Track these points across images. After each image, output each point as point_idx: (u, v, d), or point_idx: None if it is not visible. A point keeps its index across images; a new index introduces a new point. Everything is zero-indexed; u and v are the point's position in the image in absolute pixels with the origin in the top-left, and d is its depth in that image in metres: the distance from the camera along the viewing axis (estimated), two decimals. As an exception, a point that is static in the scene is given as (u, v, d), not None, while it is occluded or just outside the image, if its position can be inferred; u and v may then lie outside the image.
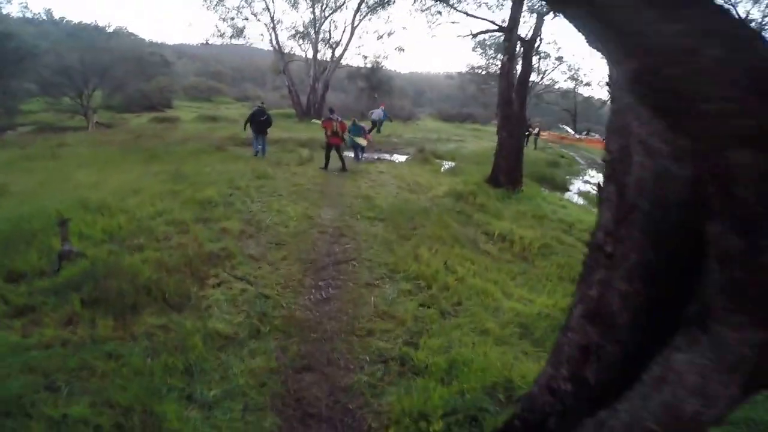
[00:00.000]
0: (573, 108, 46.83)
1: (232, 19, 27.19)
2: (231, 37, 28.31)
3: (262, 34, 28.38)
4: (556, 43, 44.28)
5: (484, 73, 43.17)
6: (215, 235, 6.44)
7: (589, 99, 49.39)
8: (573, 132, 40.66)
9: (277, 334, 4.18)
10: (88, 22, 69.05)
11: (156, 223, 6.74)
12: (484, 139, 28.03)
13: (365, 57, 32.08)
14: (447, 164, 16.46)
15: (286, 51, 30.12)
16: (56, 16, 70.28)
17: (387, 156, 17.07)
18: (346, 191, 10.09)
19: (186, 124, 23.62)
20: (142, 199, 7.82)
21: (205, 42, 28.20)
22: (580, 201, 14.98)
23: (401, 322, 4.55)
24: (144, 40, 75.31)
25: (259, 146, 13.61)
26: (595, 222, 2.11)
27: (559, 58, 41.03)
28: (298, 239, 6.70)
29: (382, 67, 33.98)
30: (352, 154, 14.88)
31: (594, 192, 15.51)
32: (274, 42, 27.99)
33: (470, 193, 10.82)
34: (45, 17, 68.95)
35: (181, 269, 5.17)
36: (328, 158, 12.21)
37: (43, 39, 41.70)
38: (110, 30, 66.03)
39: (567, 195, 15.68)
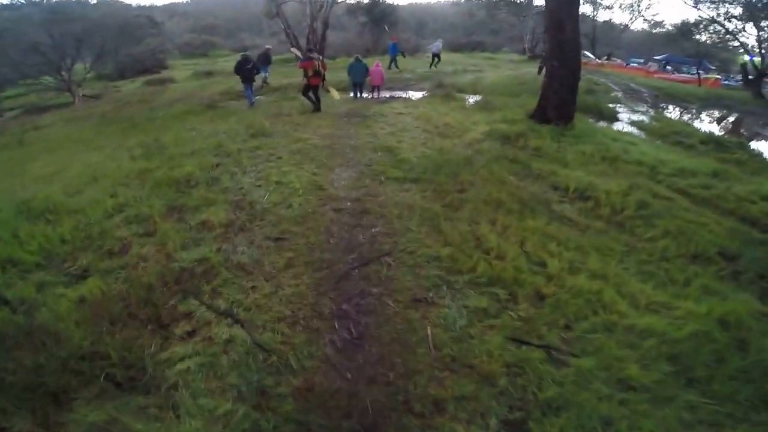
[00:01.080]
0: (592, 32, 42.32)
1: None
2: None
3: None
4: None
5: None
6: (191, 236, 4.48)
7: (609, 22, 44.60)
8: (594, 57, 36.93)
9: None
10: (69, -2, 64.56)
11: (112, 224, 4.80)
12: (501, 68, 25.02)
13: None
14: (472, 98, 13.96)
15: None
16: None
17: (401, 94, 14.61)
18: (361, 143, 7.92)
19: (180, 83, 21.19)
20: (101, 190, 5.85)
21: None
22: (636, 132, 12.55)
23: (487, 380, 2.63)
24: (130, 5, 70.69)
25: (253, 96, 12.37)
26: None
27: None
28: (306, 227, 4.70)
29: None
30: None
31: (649, 121, 12.96)
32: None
33: (518, 134, 8.57)
34: (23, 0, 64.63)
35: (136, 311, 3.27)
36: (316, 98, 10.93)
37: (26, 23, 38.86)
38: (93, 1, 61.73)
39: (618, 126, 13.21)
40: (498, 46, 51.20)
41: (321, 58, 10.98)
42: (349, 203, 5.39)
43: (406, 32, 36.28)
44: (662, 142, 11.02)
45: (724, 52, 45.90)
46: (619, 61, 37.82)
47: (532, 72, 23.42)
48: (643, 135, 12.18)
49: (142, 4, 72.67)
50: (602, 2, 38.72)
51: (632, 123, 14.00)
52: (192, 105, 12.07)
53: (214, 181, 6.08)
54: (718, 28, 29.91)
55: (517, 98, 13.73)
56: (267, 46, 17.95)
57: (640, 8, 40.19)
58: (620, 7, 40.02)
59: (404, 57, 22.59)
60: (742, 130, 16.13)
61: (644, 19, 42.00)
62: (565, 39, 9.87)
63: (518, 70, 25.07)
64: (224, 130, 8.72)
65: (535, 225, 4.60)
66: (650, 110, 16.71)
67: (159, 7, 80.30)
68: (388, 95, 14.01)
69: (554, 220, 4.94)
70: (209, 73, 23.48)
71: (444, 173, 6.21)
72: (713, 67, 42.99)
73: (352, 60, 13.51)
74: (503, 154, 7.35)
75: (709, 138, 11.70)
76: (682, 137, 12.80)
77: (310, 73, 10.53)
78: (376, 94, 13.69)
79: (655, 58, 43.01)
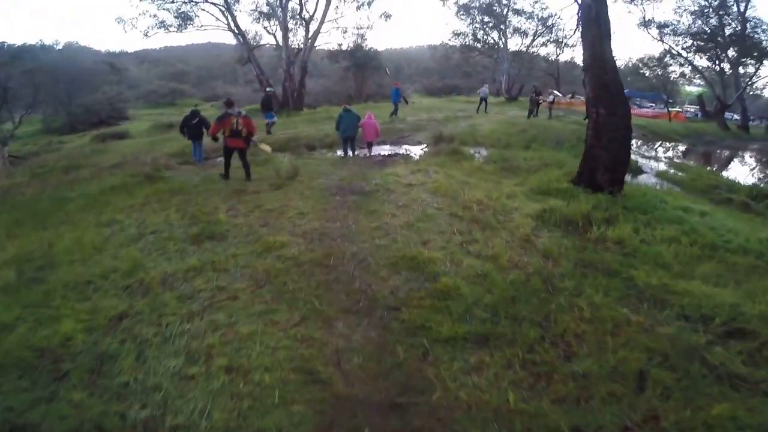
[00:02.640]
0: (556, 71, 41.57)
1: (173, 1, 21.19)
2: (179, 27, 22.34)
3: (217, 19, 22.35)
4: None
5: (470, 40, 37.67)
6: None
7: (571, 61, 44.24)
8: (561, 95, 36.04)
9: None
10: (33, 43, 61.34)
11: None
12: (489, 113, 22.95)
13: (345, 30, 25.96)
14: (481, 152, 11.41)
15: (251, 36, 24.43)
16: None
17: (397, 149, 11.94)
18: (369, 248, 4.95)
19: (132, 139, 18.10)
20: None
21: (144, 35, 22.05)
22: (668, 185, 10.25)
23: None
24: (99, 51, 67.43)
25: (202, 155, 10.75)
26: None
27: (544, 19, 35.61)
28: None
29: (365, 41, 27.94)
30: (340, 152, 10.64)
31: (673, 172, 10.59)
32: (233, 26, 22.10)
33: (584, 218, 5.84)
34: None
35: None
36: (227, 165, 8.37)
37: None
38: (59, 47, 58.70)
39: (650, 180, 10.84)
40: (472, 88, 50.42)
41: (242, 113, 8.24)
42: (378, 417, 2.41)
43: (385, 77, 34.40)
44: (713, 203, 8.97)
45: (667, 84, 46.31)
46: (582, 98, 36.72)
47: (520, 116, 21.47)
48: (678, 189, 10.05)
49: (112, 50, 69.29)
50: (567, 42, 37.68)
51: (659, 175, 11.80)
52: (127, 175, 8.95)
53: (100, 369, 3.01)
54: (680, 61, 29.32)
55: (530, 150, 11.33)
56: (268, 89, 15.28)
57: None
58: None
59: (407, 104, 20.22)
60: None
61: None
62: (609, 81, 7.51)
63: (505, 114, 23.08)
64: (155, 227, 5.64)
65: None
66: (652, 152, 14.59)
67: (129, 53, 77.44)
68: (384, 153, 11.30)
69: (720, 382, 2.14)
70: (170, 126, 20.49)
71: (523, 316, 3.37)
72: (671, 101, 43.02)
73: (340, 111, 10.80)
74: (583, 258, 4.63)
75: (758, 191, 10.19)
76: (726, 192, 10.70)
77: (226, 132, 8.00)
78: (368, 152, 10.95)
79: None
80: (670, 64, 30.03)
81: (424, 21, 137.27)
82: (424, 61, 66.19)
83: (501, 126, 16.28)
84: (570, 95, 36.23)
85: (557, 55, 39.98)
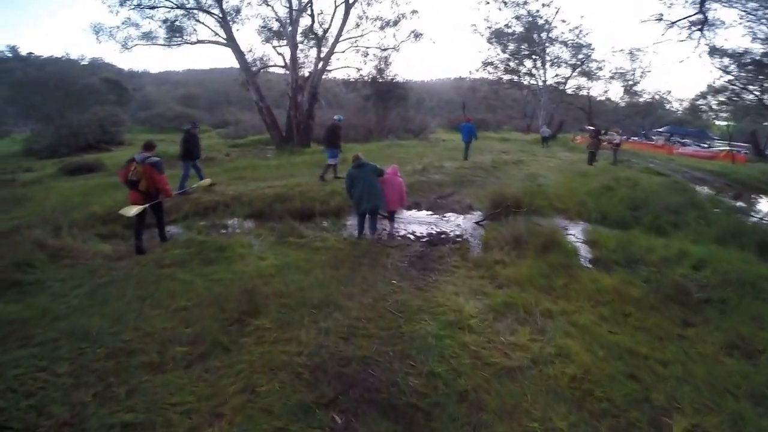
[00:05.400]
0: (587, 105, 37.11)
1: (157, 8, 17.41)
2: (168, 41, 18.55)
3: (216, 34, 18.47)
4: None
5: (501, 72, 33.42)
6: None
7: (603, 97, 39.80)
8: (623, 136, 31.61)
9: None
10: (60, 56, 59.22)
11: None
12: (535, 154, 18.54)
13: (365, 53, 21.92)
14: (571, 230, 7.04)
15: (257, 56, 20.64)
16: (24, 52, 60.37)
17: (440, 222, 7.61)
18: None
19: (99, 174, 14.09)
20: None
21: (123, 48, 18.16)
22: None
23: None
24: (122, 69, 65.31)
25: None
26: None
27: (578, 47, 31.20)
28: None
29: (390, 65, 23.67)
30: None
31: None
32: (228, 40, 18.14)
33: None
34: (10, 54, 59.29)
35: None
36: (138, 234, 5.80)
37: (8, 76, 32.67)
38: (84, 62, 56.40)
39: None
40: (499, 123, 46.15)
41: (149, 161, 5.75)
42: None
43: (409, 110, 30.28)
44: None
45: (696, 119, 41.18)
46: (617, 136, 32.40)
47: (575, 159, 17.13)
48: None
49: (135, 69, 67.34)
50: (597, 73, 33.31)
51: None
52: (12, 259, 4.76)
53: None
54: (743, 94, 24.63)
55: (651, 231, 6.96)
56: (335, 117, 11.14)
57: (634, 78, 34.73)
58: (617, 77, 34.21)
59: (476, 139, 15.79)
60: None
61: (625, 90, 36.68)
62: None
63: (556, 156, 18.72)
64: None
65: None
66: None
67: (152, 74, 75.53)
68: (419, 231, 6.97)
69: None
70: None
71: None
72: (715, 137, 37.90)
73: (349, 168, 6.55)
74: None
75: None
76: None
77: (141, 186, 5.81)
78: (390, 227, 7.00)
79: (658, 130, 37.74)
80: (734, 98, 25.09)
81: (447, 51, 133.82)
82: (446, 93, 62.53)
83: (568, 177, 11.89)
84: (604, 131, 31.86)
85: (589, 89, 35.78)
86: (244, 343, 3.56)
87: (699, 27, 15.66)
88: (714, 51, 20.44)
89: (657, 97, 38.02)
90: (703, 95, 26.35)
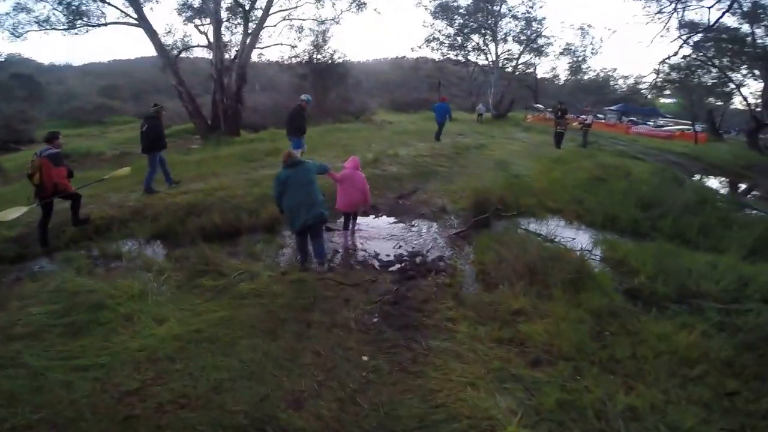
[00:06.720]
0: (534, 84, 36.26)
1: None
2: (69, 25, 15.26)
3: (126, 15, 15.25)
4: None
5: (446, 48, 31.31)
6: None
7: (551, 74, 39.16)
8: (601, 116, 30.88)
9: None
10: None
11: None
12: (492, 134, 17.00)
13: (300, 28, 19.15)
14: (579, 241, 5.45)
15: (178, 38, 17.72)
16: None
17: (405, 231, 5.75)
18: None
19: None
20: None
21: (13, 35, 14.79)
22: None
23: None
24: (42, 64, 57.70)
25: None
26: None
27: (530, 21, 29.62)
28: None
29: (328, 40, 21.05)
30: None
31: None
32: (140, 19, 15.02)
33: None
34: None
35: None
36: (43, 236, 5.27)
37: None
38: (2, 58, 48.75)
39: None
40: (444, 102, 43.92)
41: (47, 153, 5.16)
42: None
43: (349, 90, 27.86)
44: None
45: (640, 98, 41.45)
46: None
47: (540, 142, 15.72)
48: None
49: (57, 63, 60.54)
50: (545, 50, 31.84)
51: None
52: None
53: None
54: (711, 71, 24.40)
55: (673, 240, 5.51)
56: (303, 97, 8.61)
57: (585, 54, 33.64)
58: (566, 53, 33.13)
59: (450, 120, 14.85)
60: None
61: (571, 67, 36.19)
62: None
63: (513, 136, 17.30)
64: None
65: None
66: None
67: (75, 66, 67.95)
68: (385, 253, 5.01)
69: None
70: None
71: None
72: (668, 116, 38.21)
73: (281, 168, 4.49)
74: None
75: None
76: None
77: (34, 181, 5.20)
78: (350, 236, 5.49)
79: (611, 109, 37.48)
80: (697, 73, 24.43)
81: (384, 30, 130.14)
82: (383, 73, 60.32)
83: (544, 165, 10.37)
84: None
85: (535, 66, 34.87)
86: None
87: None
88: (684, 25, 19.66)
89: (602, 74, 37.89)
90: (657, 72, 25.66)
